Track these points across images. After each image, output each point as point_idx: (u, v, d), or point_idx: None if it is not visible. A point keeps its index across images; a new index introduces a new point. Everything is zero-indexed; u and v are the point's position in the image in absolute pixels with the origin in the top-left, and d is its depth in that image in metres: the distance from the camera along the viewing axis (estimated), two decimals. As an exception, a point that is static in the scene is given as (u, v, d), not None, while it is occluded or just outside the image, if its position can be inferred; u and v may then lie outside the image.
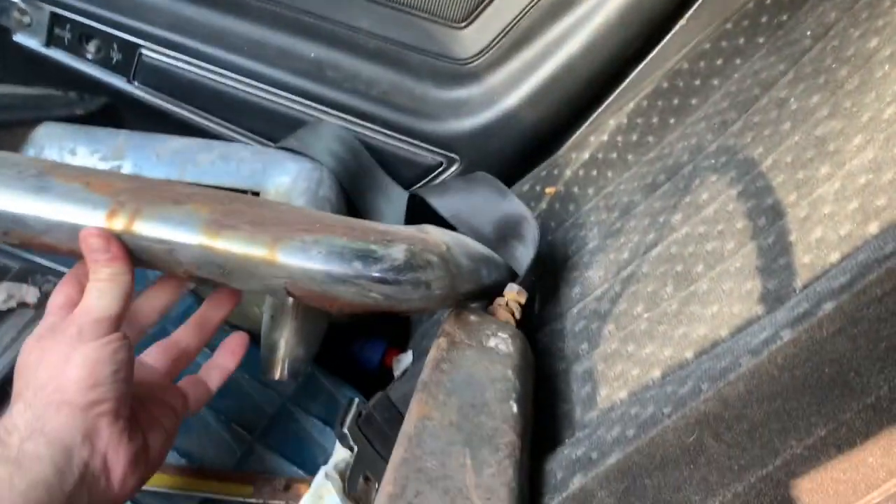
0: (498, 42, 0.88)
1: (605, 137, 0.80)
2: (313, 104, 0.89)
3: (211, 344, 0.62)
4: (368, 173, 0.87)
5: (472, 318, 0.57)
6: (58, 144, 0.80)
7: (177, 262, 0.53)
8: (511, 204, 0.70)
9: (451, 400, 0.49)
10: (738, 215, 0.55)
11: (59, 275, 0.73)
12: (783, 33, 0.68)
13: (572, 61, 0.84)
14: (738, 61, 0.71)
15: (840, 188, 0.48)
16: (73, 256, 0.55)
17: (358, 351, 0.90)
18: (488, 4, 0.87)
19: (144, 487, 0.54)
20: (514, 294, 0.61)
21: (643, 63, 0.82)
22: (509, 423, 0.48)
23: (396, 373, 0.77)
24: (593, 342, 0.59)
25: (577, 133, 0.85)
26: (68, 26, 0.89)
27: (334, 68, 0.89)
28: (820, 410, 0.37)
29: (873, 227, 0.44)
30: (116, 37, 0.89)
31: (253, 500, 0.61)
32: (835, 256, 0.45)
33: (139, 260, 0.53)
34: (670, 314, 0.54)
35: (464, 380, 0.51)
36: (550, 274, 0.73)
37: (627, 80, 0.83)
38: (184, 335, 0.60)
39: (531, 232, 0.66)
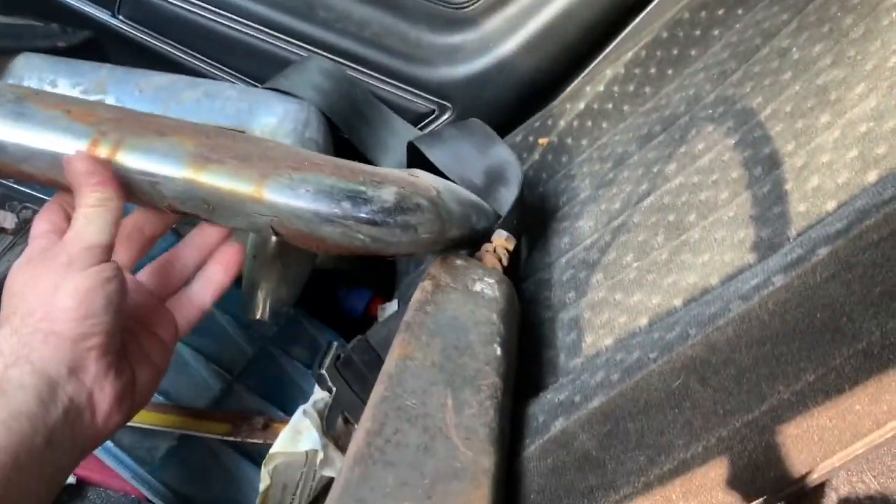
0: (495, -14, 0.86)
1: (601, 88, 0.78)
2: (303, 44, 0.87)
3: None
4: (364, 107, 0.84)
5: (459, 262, 0.56)
6: (37, 75, 0.77)
7: (160, 195, 0.51)
8: (498, 150, 0.69)
9: (434, 341, 0.48)
10: (733, 164, 0.54)
11: (38, 201, 0.71)
12: (788, -18, 0.66)
13: (571, 8, 0.82)
14: (740, 11, 0.70)
15: (840, 136, 0.47)
16: (53, 186, 0.53)
17: (343, 299, 0.89)
18: (487, -53, 0.84)
19: (120, 423, 0.53)
20: (502, 240, 0.60)
21: (644, 12, 0.80)
22: (492, 365, 0.47)
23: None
24: (580, 291, 0.58)
25: (573, 83, 0.83)
26: (52, -45, 0.87)
27: (326, 8, 0.87)
28: (809, 356, 0.36)
29: (872, 176, 0.42)
30: (101, -33, 0.86)
31: (231, 439, 0.60)
32: (831, 205, 0.44)
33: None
34: (660, 263, 0.53)
35: (448, 322, 0.50)
36: (540, 224, 0.72)
37: (627, 30, 0.81)
38: (180, 253, 0.57)
39: (515, 175, 0.65)
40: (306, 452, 0.55)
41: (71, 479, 0.60)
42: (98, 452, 0.60)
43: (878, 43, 0.49)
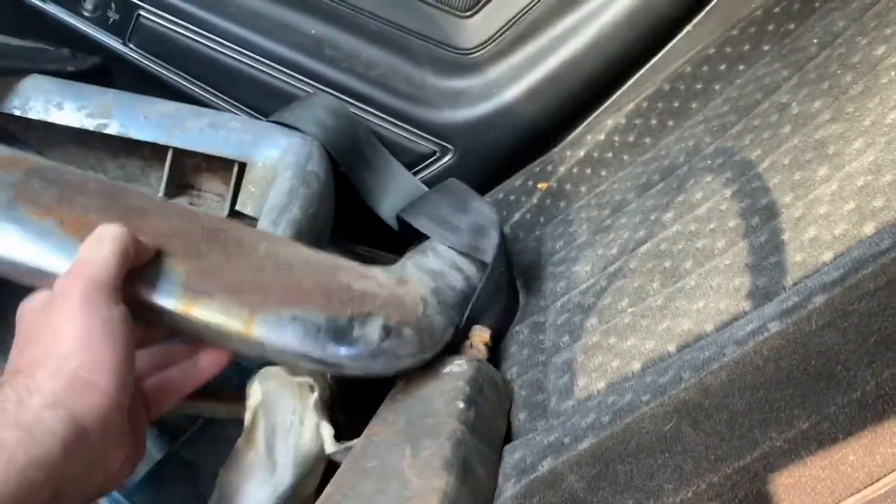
0: (502, 34, 0.88)
1: (601, 137, 0.79)
2: (309, 81, 0.88)
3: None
4: (365, 147, 0.85)
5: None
6: (44, 97, 0.78)
7: (156, 317, 0.51)
8: (476, 204, 0.72)
9: (399, 418, 0.50)
10: (730, 214, 0.54)
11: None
12: (789, 41, 0.67)
13: (575, 59, 0.83)
14: (741, 67, 0.71)
15: (837, 189, 0.47)
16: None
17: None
18: (495, -5, 0.86)
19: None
20: (479, 335, 0.61)
21: (647, 65, 0.81)
22: (454, 416, 0.47)
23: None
24: (574, 335, 0.58)
25: (575, 131, 0.84)
26: (67, -18, 0.88)
27: (334, 47, 0.88)
28: (803, 403, 0.36)
29: (869, 228, 0.42)
30: (115, -4, 0.88)
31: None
32: (828, 255, 0.43)
33: None
34: (655, 309, 0.52)
35: (414, 401, 0.52)
36: (536, 268, 0.72)
37: (629, 82, 0.82)
38: (175, 348, 0.54)
39: (493, 225, 0.68)
40: (298, 383, 0.58)
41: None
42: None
43: (877, 100, 0.50)
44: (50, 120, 0.76)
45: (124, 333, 0.45)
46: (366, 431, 0.51)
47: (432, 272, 0.62)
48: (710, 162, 0.62)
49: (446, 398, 0.50)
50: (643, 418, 0.40)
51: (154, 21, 0.87)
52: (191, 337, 0.52)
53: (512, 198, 0.83)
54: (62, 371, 0.43)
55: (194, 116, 0.80)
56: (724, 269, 0.50)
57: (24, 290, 0.49)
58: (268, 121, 0.84)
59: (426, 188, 0.83)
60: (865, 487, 0.37)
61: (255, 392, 0.58)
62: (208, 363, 0.53)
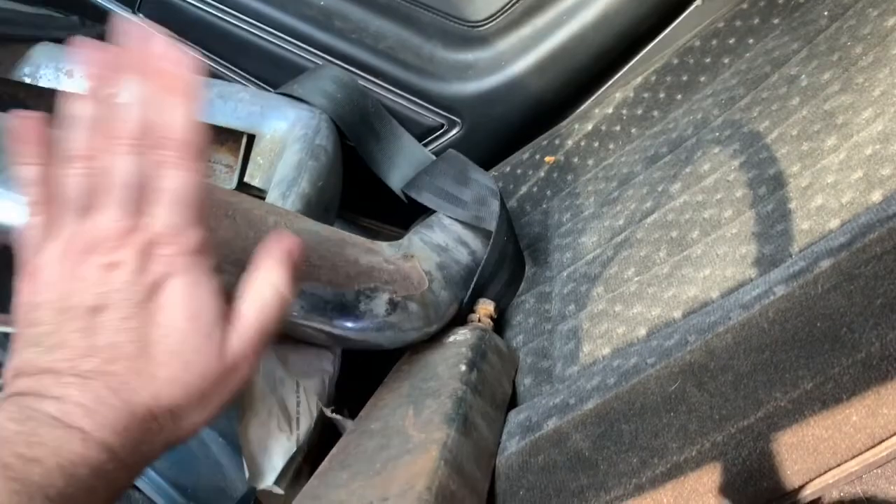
0: (511, 6, 0.87)
1: (609, 110, 0.79)
2: (318, 52, 0.87)
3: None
4: (374, 119, 0.85)
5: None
6: (54, 65, 0.78)
7: None
8: (476, 176, 0.72)
9: (403, 384, 0.51)
10: (738, 184, 0.54)
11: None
12: (799, 14, 0.67)
13: (584, 32, 0.82)
14: (750, 40, 0.71)
15: (845, 158, 0.47)
16: None
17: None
18: (504, -33, 0.86)
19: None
20: (484, 307, 0.61)
21: (656, 40, 0.81)
22: (455, 378, 0.48)
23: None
24: (580, 303, 0.58)
25: (583, 104, 0.84)
26: (76, -49, 0.88)
27: (343, 18, 0.88)
28: (808, 364, 0.36)
29: (877, 195, 0.43)
30: (124, -34, 0.87)
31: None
32: (835, 223, 0.44)
33: None
34: (661, 277, 0.53)
35: (419, 368, 0.53)
36: (543, 240, 0.72)
37: (638, 56, 0.82)
38: None
39: (494, 195, 0.68)
40: None
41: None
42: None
43: (887, 70, 0.50)
44: (61, 88, 0.76)
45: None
46: (371, 399, 0.52)
47: (437, 247, 0.62)
48: (717, 134, 0.62)
49: (449, 363, 0.51)
50: (648, 380, 0.41)
51: (163, -10, 0.87)
52: None
53: (519, 171, 0.83)
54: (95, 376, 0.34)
55: (203, 87, 0.80)
56: (730, 238, 0.50)
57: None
58: (276, 92, 0.84)
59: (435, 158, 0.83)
60: (868, 450, 0.38)
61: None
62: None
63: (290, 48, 0.88)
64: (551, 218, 0.75)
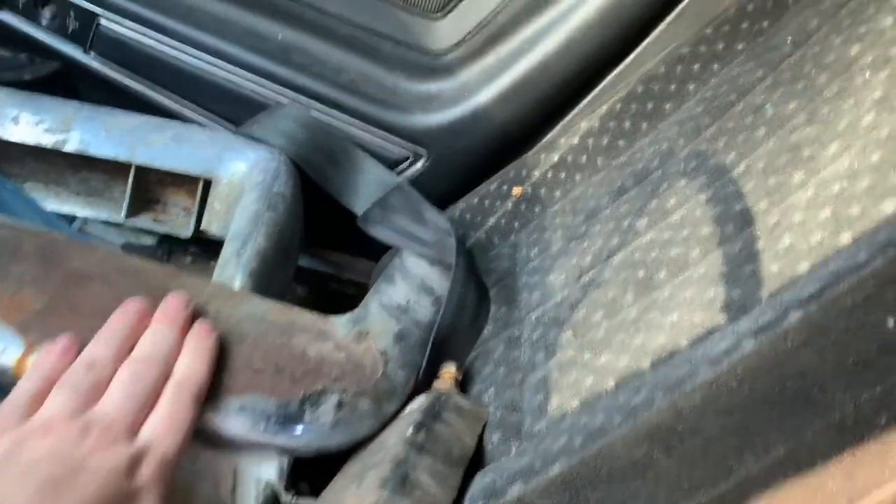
0: (473, 36, 0.86)
1: (575, 140, 0.77)
2: (277, 87, 0.85)
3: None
4: (339, 154, 0.82)
5: None
6: (0, 110, 0.75)
7: None
8: (428, 214, 0.70)
9: (355, 464, 0.49)
10: (704, 221, 0.52)
11: None
12: (763, 39, 0.66)
13: (548, 60, 0.81)
14: (715, 66, 0.69)
15: (813, 196, 0.46)
16: None
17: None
18: (465, -4, 0.84)
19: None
20: (447, 372, 0.58)
21: (620, 66, 0.80)
22: (400, 442, 0.46)
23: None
24: (549, 350, 0.56)
25: (549, 134, 0.82)
26: (23, -11, 0.85)
27: (301, 52, 0.86)
28: (780, 427, 0.34)
29: (846, 237, 0.41)
30: (74, 4, 0.85)
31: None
32: (804, 266, 0.42)
33: None
34: (629, 322, 0.51)
35: (371, 444, 0.51)
36: (511, 276, 0.70)
37: (603, 83, 0.80)
38: None
39: (449, 234, 0.67)
40: None
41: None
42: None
43: (852, 101, 0.49)
44: (5, 137, 0.74)
45: None
46: (324, 491, 0.50)
47: (397, 309, 0.60)
48: (683, 166, 0.60)
49: (398, 431, 0.48)
50: (615, 442, 0.38)
51: (116, 29, 0.85)
52: None
53: (486, 202, 0.81)
54: None
55: (158, 130, 0.78)
56: (697, 280, 0.49)
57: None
58: (235, 132, 0.82)
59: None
60: (846, 512, 0.36)
61: None
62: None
63: (249, 84, 0.86)
64: (519, 252, 0.73)
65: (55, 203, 0.79)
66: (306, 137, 0.79)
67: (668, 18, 0.78)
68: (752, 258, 0.46)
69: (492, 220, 0.80)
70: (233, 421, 0.48)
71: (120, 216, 0.79)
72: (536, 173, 0.78)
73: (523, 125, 0.84)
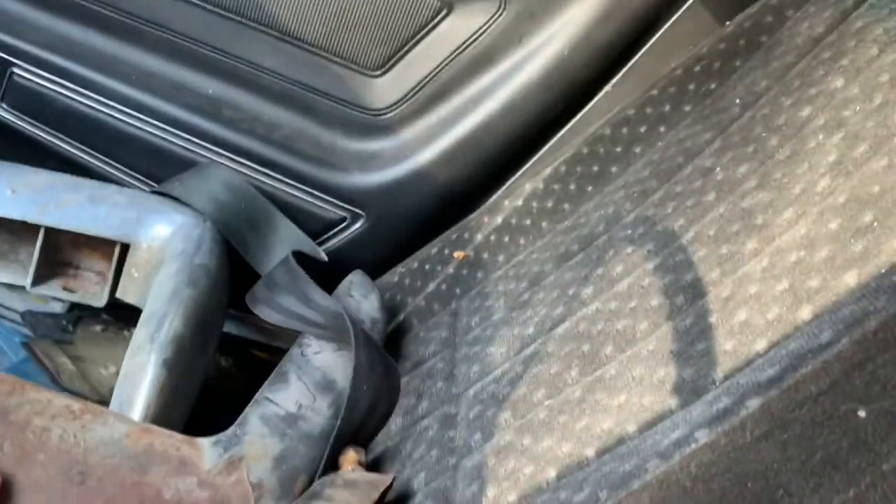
0: (414, 94, 0.82)
1: (519, 202, 0.73)
2: (206, 144, 0.81)
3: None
4: (263, 223, 0.78)
5: None
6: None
7: None
8: (315, 295, 0.65)
9: None
10: (653, 291, 0.48)
11: None
12: (711, 101, 0.64)
13: (491, 120, 0.78)
14: (662, 129, 0.67)
15: (768, 266, 0.42)
16: None
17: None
18: (406, 53, 0.81)
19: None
20: (350, 456, 0.54)
21: (565, 128, 0.77)
22: None
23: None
24: (487, 432, 0.51)
25: (492, 196, 0.79)
26: (-70, 37, 0.80)
27: (233, 107, 0.82)
28: (740, 537, 0.30)
29: (805, 312, 0.37)
30: (-14, 53, 0.79)
31: None
32: (761, 344, 0.38)
33: None
34: (573, 402, 0.46)
35: None
36: (450, 346, 0.65)
37: (548, 145, 0.78)
38: None
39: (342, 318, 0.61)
40: None
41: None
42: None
43: (806, 165, 0.46)
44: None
45: None
46: None
47: (283, 421, 0.54)
48: (630, 231, 0.57)
49: None
50: (554, 552, 0.33)
51: (30, 79, 0.79)
52: None
53: (427, 267, 0.77)
54: None
55: (72, 190, 0.72)
56: (646, 357, 0.44)
57: None
58: (156, 191, 0.76)
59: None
60: None
61: None
62: None
63: (174, 140, 0.81)
64: (460, 321, 0.68)
65: (-47, 264, 0.72)
66: (230, 200, 0.74)
67: (614, 80, 0.76)
68: (704, 334, 0.42)
69: (432, 286, 0.75)
70: None
71: (26, 281, 0.72)
72: (479, 237, 0.74)
73: (466, 186, 0.80)
